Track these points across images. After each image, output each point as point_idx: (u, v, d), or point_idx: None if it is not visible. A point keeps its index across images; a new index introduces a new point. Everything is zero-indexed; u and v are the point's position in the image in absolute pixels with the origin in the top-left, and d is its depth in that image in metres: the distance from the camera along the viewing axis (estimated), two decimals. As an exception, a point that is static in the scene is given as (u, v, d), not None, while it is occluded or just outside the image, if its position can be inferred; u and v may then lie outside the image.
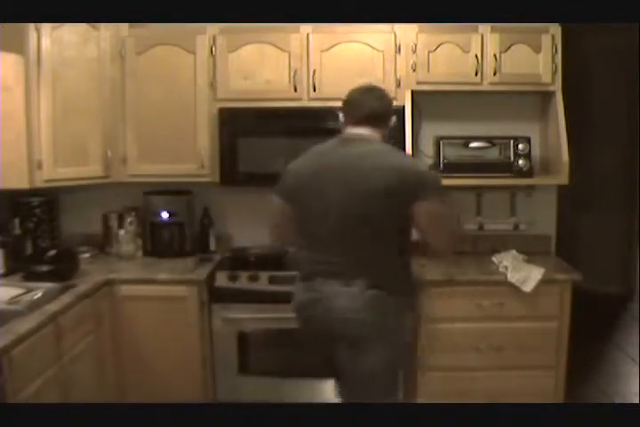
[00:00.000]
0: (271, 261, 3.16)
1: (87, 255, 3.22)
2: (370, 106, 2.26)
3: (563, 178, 3.03)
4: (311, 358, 2.45)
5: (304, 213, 2.25)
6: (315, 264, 2.21)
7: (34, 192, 3.01)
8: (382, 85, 2.99)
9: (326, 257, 2.18)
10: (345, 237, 2.16)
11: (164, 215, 3.26)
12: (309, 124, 3.02)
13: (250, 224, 3.42)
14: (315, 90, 3.04)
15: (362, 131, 2.25)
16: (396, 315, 2.18)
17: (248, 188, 3.25)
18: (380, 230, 2.15)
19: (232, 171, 3.06)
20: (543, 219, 3.39)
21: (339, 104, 2.98)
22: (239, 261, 3.17)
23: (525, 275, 2.86)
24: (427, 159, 3.24)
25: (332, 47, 3.04)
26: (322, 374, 2.51)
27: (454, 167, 3.08)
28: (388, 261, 2.19)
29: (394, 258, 2.20)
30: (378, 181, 2.09)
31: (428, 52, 3.03)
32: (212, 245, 3.36)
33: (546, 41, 3.03)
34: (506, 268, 2.92)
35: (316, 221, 2.20)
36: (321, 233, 2.19)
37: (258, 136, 3.05)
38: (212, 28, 3.05)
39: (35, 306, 2.37)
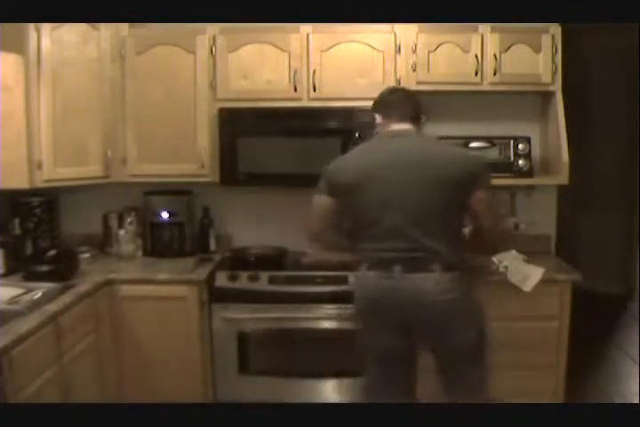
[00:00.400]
0: (271, 261, 3.16)
1: (87, 255, 3.22)
2: (409, 104, 2.43)
3: (563, 178, 3.03)
4: (382, 344, 2.38)
5: (370, 206, 2.30)
6: (388, 253, 2.26)
7: (34, 192, 3.01)
8: (382, 85, 3.02)
9: (401, 245, 2.25)
10: (420, 224, 2.25)
11: (164, 215, 3.26)
12: (309, 124, 3.03)
13: (250, 224, 3.43)
14: (315, 90, 3.04)
15: (407, 126, 2.39)
16: (471, 294, 2.34)
17: (248, 188, 3.25)
18: (449, 217, 2.30)
19: (232, 171, 3.06)
20: (543, 219, 3.39)
21: (339, 104, 3.02)
22: (239, 261, 3.17)
23: (525, 275, 2.86)
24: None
25: (332, 47, 3.04)
26: (400, 359, 2.44)
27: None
28: (455, 246, 2.30)
29: (458, 243, 2.34)
30: (445, 170, 2.26)
31: (428, 52, 3.03)
32: (212, 245, 3.36)
33: (546, 41, 3.03)
34: (506, 268, 2.92)
35: (387, 212, 2.26)
36: (394, 223, 2.25)
37: (258, 136, 3.05)
38: (212, 28, 3.05)
39: (35, 306, 2.36)
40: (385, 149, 2.36)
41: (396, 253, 2.25)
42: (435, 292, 2.23)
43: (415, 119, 2.41)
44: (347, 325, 2.84)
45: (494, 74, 3.03)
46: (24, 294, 2.52)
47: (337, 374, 2.92)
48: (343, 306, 2.84)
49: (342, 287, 2.87)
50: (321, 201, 2.42)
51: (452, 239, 2.30)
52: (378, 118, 2.45)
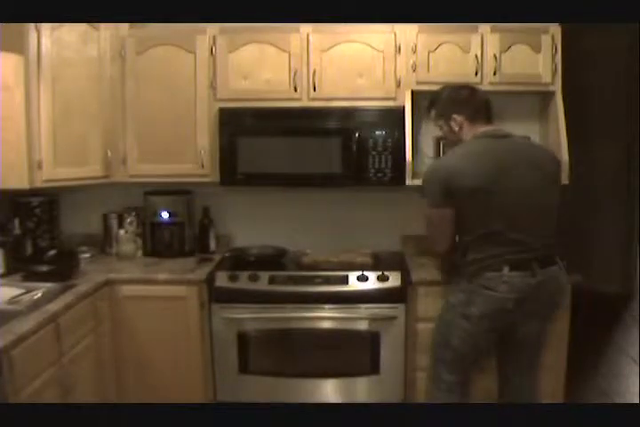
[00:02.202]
0: (271, 261, 3.16)
1: (87, 255, 3.22)
2: (490, 104, 2.50)
3: (563, 178, 3.02)
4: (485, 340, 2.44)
5: (500, 210, 2.31)
6: (525, 254, 2.32)
7: (34, 192, 3.01)
8: (382, 85, 3.03)
9: (534, 245, 2.33)
10: (543, 223, 2.38)
11: (164, 215, 3.26)
12: (309, 124, 3.03)
13: (250, 224, 3.43)
14: (315, 90, 3.04)
15: (496, 127, 2.47)
16: None
17: (248, 188, 3.25)
18: (556, 213, 2.44)
19: (232, 171, 3.06)
20: (543, 219, 3.38)
21: (339, 104, 3.02)
22: (239, 261, 3.17)
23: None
24: (427, 159, 3.24)
25: (332, 47, 3.04)
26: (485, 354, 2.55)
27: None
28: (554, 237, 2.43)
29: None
30: (550, 169, 2.42)
31: (428, 52, 3.03)
32: (212, 245, 3.36)
33: (546, 41, 3.03)
34: (506, 268, 2.91)
35: (517, 214, 2.31)
36: (525, 224, 2.32)
37: (258, 136, 3.05)
38: (212, 28, 3.05)
39: (35, 306, 2.37)
40: (495, 152, 2.37)
41: (533, 251, 2.33)
42: (566, 281, 2.46)
43: (490, 118, 2.48)
44: (347, 325, 2.85)
45: (494, 74, 3.03)
46: (24, 294, 2.53)
47: (337, 374, 2.92)
48: (343, 306, 2.84)
49: (342, 287, 2.87)
50: (444, 214, 2.36)
51: (556, 233, 2.44)
52: (458, 119, 2.43)
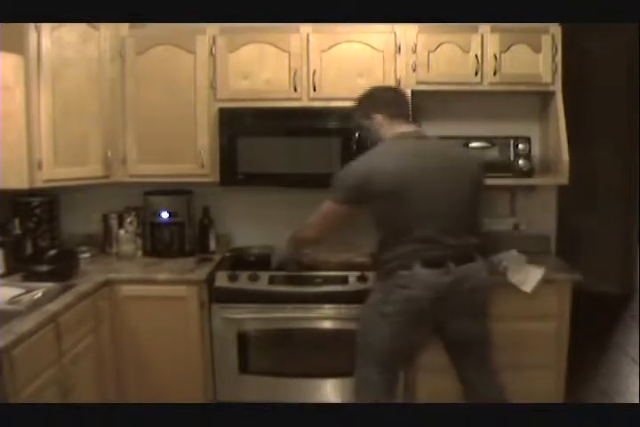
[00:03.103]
0: (271, 261, 3.16)
1: (87, 255, 3.22)
2: (408, 104, 2.55)
3: (563, 178, 3.03)
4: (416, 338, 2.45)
5: (415, 209, 2.33)
6: (439, 251, 2.33)
7: (34, 192, 3.01)
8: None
9: (450, 242, 2.34)
10: (461, 221, 2.39)
11: (164, 215, 3.26)
12: (309, 124, 3.03)
13: (250, 224, 3.43)
14: (315, 90, 3.04)
15: (415, 127, 2.52)
16: None
17: (248, 188, 3.25)
18: (477, 212, 2.47)
19: (232, 171, 3.06)
20: (543, 219, 3.39)
21: (339, 104, 3.01)
22: (239, 261, 3.17)
23: (525, 275, 2.86)
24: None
25: (332, 47, 3.04)
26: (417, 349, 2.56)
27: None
28: (479, 237, 2.45)
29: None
30: (469, 169, 2.44)
31: (428, 52, 3.03)
32: (212, 245, 3.36)
33: (546, 41, 3.03)
34: (506, 268, 2.92)
35: (432, 212, 2.34)
36: (441, 222, 2.34)
37: (258, 136, 3.05)
38: (212, 28, 3.05)
39: (35, 306, 2.37)
40: (413, 152, 2.39)
41: (447, 249, 2.34)
42: (484, 278, 2.43)
43: (414, 120, 2.51)
44: (347, 325, 2.85)
45: (494, 74, 3.03)
46: (24, 294, 2.52)
47: (337, 374, 2.92)
48: (343, 306, 2.84)
49: (342, 287, 2.87)
50: (340, 210, 2.40)
51: (478, 232, 2.47)
52: (378, 118, 2.45)
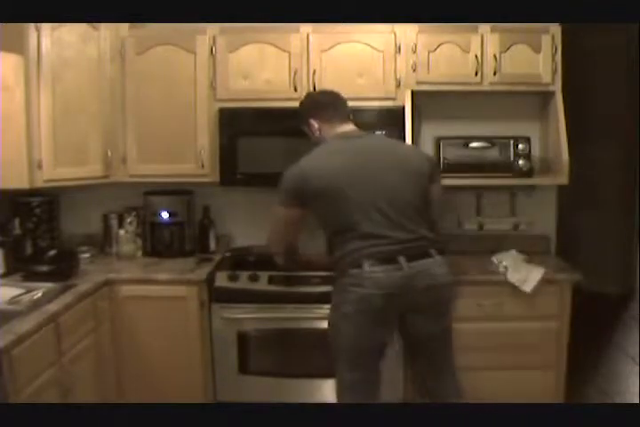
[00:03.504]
0: (271, 261, 3.15)
1: (87, 255, 3.21)
2: (346, 105, 2.54)
3: (562, 178, 3.03)
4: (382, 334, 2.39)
5: (357, 206, 2.30)
6: (388, 246, 2.30)
7: (34, 192, 3.01)
8: (382, 85, 3.03)
9: (400, 237, 2.31)
10: (409, 215, 2.35)
11: (164, 215, 3.26)
12: (309, 124, 3.02)
13: (250, 224, 3.42)
14: (315, 90, 3.04)
15: (353, 127, 2.51)
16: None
17: (248, 188, 3.25)
18: (425, 207, 2.43)
19: (232, 171, 3.06)
20: (543, 219, 3.39)
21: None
22: (239, 261, 3.17)
23: (525, 275, 2.86)
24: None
25: (332, 47, 3.04)
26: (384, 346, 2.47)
27: (454, 167, 3.08)
28: (431, 232, 2.41)
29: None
30: (415, 163, 2.43)
31: (428, 52, 3.03)
32: (212, 245, 3.36)
33: (546, 41, 3.03)
34: (506, 268, 2.92)
35: (376, 208, 2.30)
36: (388, 217, 2.31)
37: (258, 136, 3.05)
38: (212, 28, 3.05)
39: (35, 306, 2.37)
40: (352, 150, 2.39)
41: (397, 244, 2.30)
42: (442, 274, 2.36)
43: (352, 120, 2.52)
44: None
45: (494, 74, 3.03)
46: (24, 294, 2.53)
47: (337, 374, 2.92)
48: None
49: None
50: (291, 214, 2.41)
51: (433, 227, 2.44)
52: (314, 123, 2.50)
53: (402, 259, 2.28)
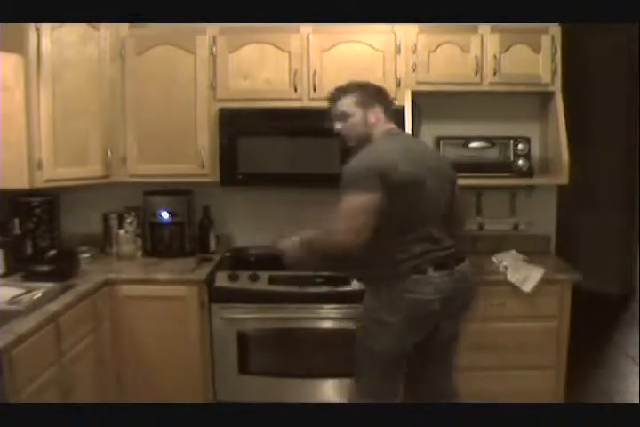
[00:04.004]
0: (271, 261, 3.15)
1: (87, 255, 3.21)
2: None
3: (562, 178, 3.03)
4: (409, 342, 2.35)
5: (418, 207, 2.25)
6: (441, 252, 2.28)
7: (34, 192, 3.01)
8: (382, 85, 3.02)
9: (446, 243, 2.31)
10: (447, 221, 2.35)
11: (164, 215, 3.26)
12: (309, 124, 3.02)
13: (250, 224, 3.43)
14: (315, 90, 3.04)
15: (394, 125, 2.43)
16: None
17: (248, 188, 3.25)
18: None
19: (232, 171, 3.06)
20: (543, 219, 3.39)
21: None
22: (239, 261, 3.17)
23: (525, 275, 2.86)
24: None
25: (332, 47, 3.05)
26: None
27: (454, 167, 3.08)
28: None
29: None
30: (448, 169, 2.43)
31: (428, 53, 3.03)
32: (212, 245, 3.36)
33: (546, 41, 3.03)
34: (506, 268, 2.92)
35: (430, 212, 2.29)
36: (437, 222, 2.31)
37: (258, 136, 3.05)
38: (212, 29, 3.05)
39: (35, 306, 2.37)
40: (414, 150, 2.36)
41: (448, 249, 2.31)
42: (472, 277, 2.40)
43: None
44: (347, 325, 2.85)
45: (494, 74, 3.03)
46: (24, 294, 2.52)
47: (337, 374, 2.92)
48: (343, 306, 2.84)
49: (342, 287, 2.87)
50: (368, 202, 2.15)
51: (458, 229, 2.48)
52: (379, 111, 2.36)
53: (452, 263, 2.29)
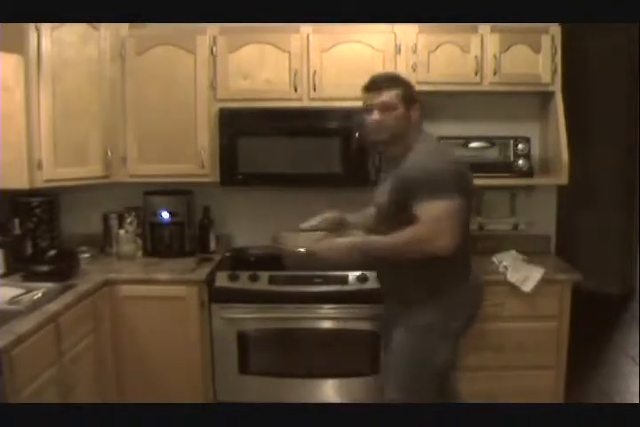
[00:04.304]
0: (271, 261, 3.16)
1: (87, 255, 3.21)
2: None
3: (562, 178, 3.03)
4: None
5: (468, 214, 2.27)
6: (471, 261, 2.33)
7: (34, 192, 3.00)
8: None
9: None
10: None
11: (164, 215, 3.26)
12: (309, 124, 3.03)
13: (250, 224, 3.43)
14: (315, 90, 3.04)
15: None
16: None
17: (248, 188, 3.25)
18: None
19: (232, 171, 3.06)
20: (543, 219, 3.39)
21: (339, 104, 3.01)
22: (239, 261, 3.17)
23: (525, 275, 2.86)
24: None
25: (332, 47, 3.04)
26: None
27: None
28: None
29: None
30: None
31: (428, 53, 3.03)
32: (212, 245, 3.36)
33: (546, 41, 3.03)
34: (506, 268, 2.92)
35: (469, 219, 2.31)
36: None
37: (258, 136, 3.05)
38: (212, 28, 3.05)
39: (35, 306, 2.37)
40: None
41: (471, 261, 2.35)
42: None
43: None
44: (347, 325, 2.85)
45: (494, 74, 3.03)
46: (24, 294, 2.53)
47: (337, 374, 2.92)
48: (343, 306, 2.84)
49: (342, 287, 2.87)
50: (460, 204, 2.09)
51: None
52: (419, 108, 2.27)
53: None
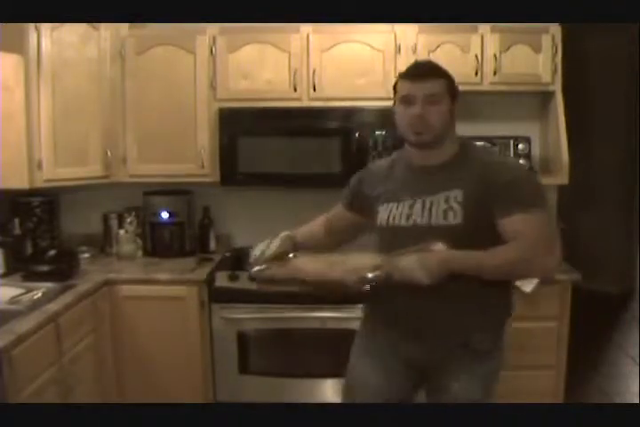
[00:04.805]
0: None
1: (87, 255, 3.22)
2: None
3: (563, 178, 3.03)
4: None
5: None
6: None
7: (34, 192, 3.01)
8: (382, 85, 3.02)
9: None
10: None
11: (164, 215, 3.26)
12: (309, 124, 3.03)
13: (250, 224, 3.42)
14: (315, 90, 3.04)
15: None
16: None
17: (248, 188, 3.25)
18: None
19: (232, 171, 3.06)
20: (543, 219, 3.38)
21: (339, 104, 3.02)
22: (239, 261, 3.17)
23: (525, 275, 2.86)
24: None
25: (332, 47, 3.04)
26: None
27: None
28: None
29: None
30: None
31: (428, 53, 3.02)
32: (212, 245, 3.36)
33: (546, 41, 3.03)
34: (506, 268, 2.91)
35: None
36: None
37: (258, 136, 3.05)
38: (212, 29, 3.05)
39: (35, 306, 2.37)
40: None
41: None
42: None
43: None
44: (346, 325, 2.85)
45: (494, 74, 3.03)
46: (24, 294, 2.53)
47: (337, 374, 2.91)
48: (343, 306, 2.84)
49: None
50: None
51: None
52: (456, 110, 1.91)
53: None
